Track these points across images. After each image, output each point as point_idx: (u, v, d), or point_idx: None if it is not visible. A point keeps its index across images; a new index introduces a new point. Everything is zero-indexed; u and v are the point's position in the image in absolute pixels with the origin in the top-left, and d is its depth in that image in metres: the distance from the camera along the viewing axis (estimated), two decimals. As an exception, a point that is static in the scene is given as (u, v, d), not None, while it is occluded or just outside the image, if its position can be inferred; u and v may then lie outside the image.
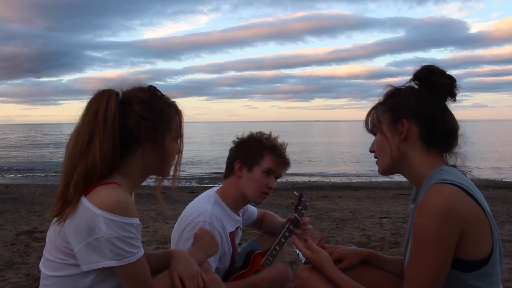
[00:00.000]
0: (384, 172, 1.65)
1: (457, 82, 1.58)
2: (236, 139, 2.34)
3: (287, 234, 2.36)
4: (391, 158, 1.59)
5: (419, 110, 1.55)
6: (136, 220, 1.41)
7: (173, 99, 1.62)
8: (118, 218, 1.36)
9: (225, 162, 2.35)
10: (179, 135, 1.62)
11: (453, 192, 1.40)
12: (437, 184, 1.43)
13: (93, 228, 1.35)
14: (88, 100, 1.49)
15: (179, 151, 1.64)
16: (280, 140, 2.29)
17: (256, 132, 2.33)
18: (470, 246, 1.40)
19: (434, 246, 1.37)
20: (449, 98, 1.59)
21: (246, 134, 2.35)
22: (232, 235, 2.26)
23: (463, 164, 1.59)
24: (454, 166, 1.58)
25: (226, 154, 2.35)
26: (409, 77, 1.63)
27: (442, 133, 1.56)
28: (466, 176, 1.53)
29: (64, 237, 1.42)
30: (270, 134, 2.30)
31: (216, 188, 2.36)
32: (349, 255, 1.87)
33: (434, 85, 1.56)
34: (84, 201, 1.38)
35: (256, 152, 2.22)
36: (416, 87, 1.60)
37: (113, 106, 1.46)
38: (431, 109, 1.55)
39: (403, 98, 1.59)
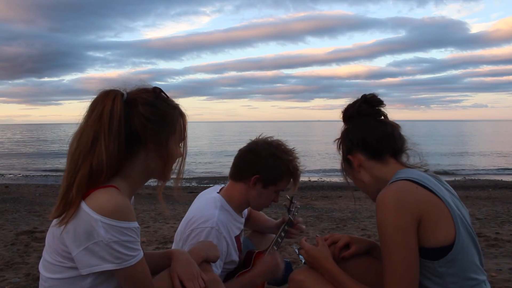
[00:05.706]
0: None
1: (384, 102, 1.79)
2: (255, 146, 2.23)
3: (283, 234, 2.47)
4: (375, 188, 1.70)
5: (351, 141, 1.74)
6: (135, 224, 1.41)
7: (176, 102, 1.60)
8: (116, 223, 1.35)
9: (233, 162, 2.27)
10: (182, 138, 1.60)
11: (402, 185, 1.53)
12: (390, 183, 1.57)
13: (91, 232, 1.34)
14: (92, 100, 1.46)
15: (181, 155, 1.61)
16: (299, 161, 2.26)
17: (277, 144, 2.24)
18: (430, 233, 1.49)
19: (395, 236, 1.47)
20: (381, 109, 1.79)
21: (264, 141, 2.25)
22: (238, 238, 2.28)
23: (424, 162, 1.73)
24: (418, 167, 1.70)
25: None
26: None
27: (377, 142, 1.70)
28: (427, 173, 1.64)
29: (63, 240, 1.41)
30: (293, 154, 2.25)
31: (218, 188, 2.35)
32: (357, 242, 1.94)
33: (363, 113, 1.76)
34: (83, 205, 1.36)
35: (277, 174, 2.19)
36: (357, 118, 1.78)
37: (119, 106, 1.44)
38: (360, 134, 1.73)
39: (342, 141, 1.80)
